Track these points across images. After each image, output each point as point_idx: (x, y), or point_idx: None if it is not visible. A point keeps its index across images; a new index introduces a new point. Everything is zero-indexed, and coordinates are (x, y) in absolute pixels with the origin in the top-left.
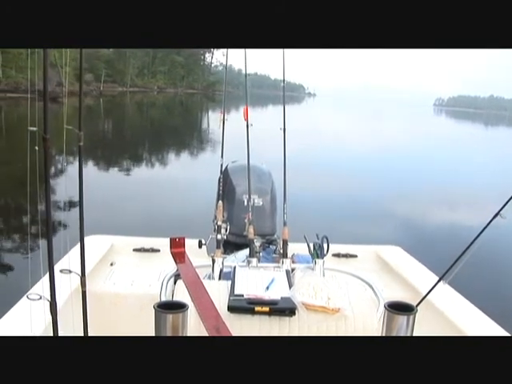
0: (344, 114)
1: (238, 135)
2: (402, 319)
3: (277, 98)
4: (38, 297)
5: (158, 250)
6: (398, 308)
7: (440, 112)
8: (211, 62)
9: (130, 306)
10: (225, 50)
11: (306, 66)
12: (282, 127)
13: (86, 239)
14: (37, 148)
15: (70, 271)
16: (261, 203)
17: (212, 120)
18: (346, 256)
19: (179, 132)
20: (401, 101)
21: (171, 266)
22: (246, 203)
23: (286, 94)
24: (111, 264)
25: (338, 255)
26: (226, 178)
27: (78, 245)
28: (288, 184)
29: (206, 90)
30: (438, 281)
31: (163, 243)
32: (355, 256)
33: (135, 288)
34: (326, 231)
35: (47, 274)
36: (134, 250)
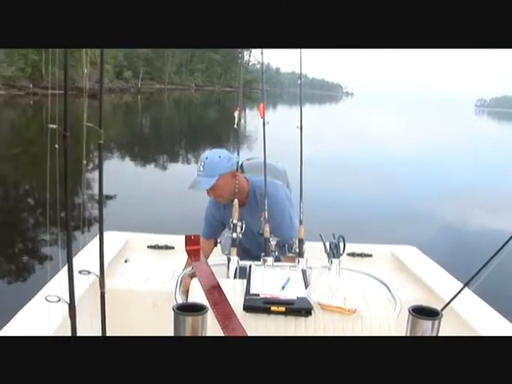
0: (382, 113)
1: (281, 135)
2: (426, 324)
3: (313, 97)
4: (57, 299)
5: (173, 248)
6: (423, 312)
7: (482, 113)
8: (249, 61)
9: (144, 304)
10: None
11: (345, 65)
12: (299, 125)
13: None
14: (57, 146)
15: (89, 272)
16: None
17: (248, 118)
18: (361, 255)
19: (215, 129)
20: (441, 101)
21: (185, 264)
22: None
23: (324, 93)
24: (125, 261)
25: (352, 254)
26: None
27: (94, 241)
28: (312, 183)
29: (243, 88)
30: (463, 287)
31: (178, 240)
32: (370, 255)
33: (149, 285)
34: (344, 231)
35: (63, 273)
36: (149, 246)
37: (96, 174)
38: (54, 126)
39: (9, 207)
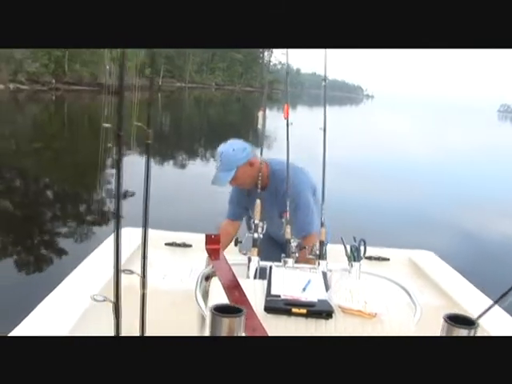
0: (402, 117)
1: (302, 136)
2: (462, 333)
3: (333, 98)
4: (102, 298)
5: (190, 246)
6: (457, 321)
7: (505, 118)
8: (269, 61)
9: (162, 301)
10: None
11: (366, 68)
12: (322, 127)
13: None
14: (110, 145)
15: (132, 272)
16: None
17: (269, 118)
18: (378, 259)
19: (235, 128)
20: (463, 106)
21: (203, 262)
22: None
23: (344, 95)
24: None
25: (369, 258)
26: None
27: (111, 237)
28: (333, 186)
29: (264, 88)
30: (493, 304)
31: (195, 238)
32: (387, 259)
33: (167, 283)
34: (361, 234)
35: (105, 271)
36: (166, 244)
37: (113, 170)
38: (109, 125)
39: (29, 201)
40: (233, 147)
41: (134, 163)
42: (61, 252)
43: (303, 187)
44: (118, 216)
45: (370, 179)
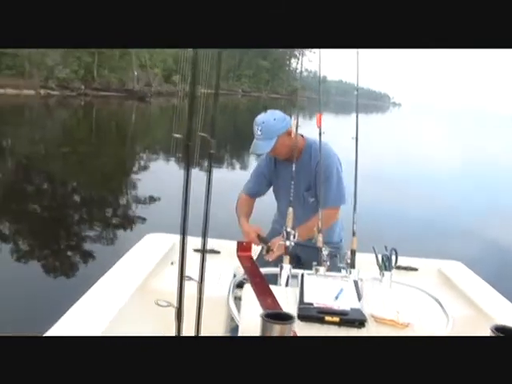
0: (430, 125)
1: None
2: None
3: (360, 106)
4: (167, 304)
5: (219, 252)
6: (505, 332)
7: None
8: (296, 68)
9: (191, 307)
10: (311, 56)
11: (392, 75)
12: (354, 136)
13: (147, 237)
14: (180, 155)
15: (190, 278)
16: None
17: (294, 125)
18: (406, 269)
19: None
20: (493, 115)
21: (231, 269)
22: None
23: (370, 102)
24: (172, 263)
25: (397, 267)
26: None
27: (139, 243)
28: (359, 194)
29: (290, 95)
30: None
31: (223, 245)
32: (415, 269)
33: (196, 289)
34: (389, 243)
35: (168, 276)
36: (195, 250)
37: (140, 175)
38: (179, 136)
39: (57, 204)
40: (274, 117)
41: (162, 168)
42: (87, 255)
43: (336, 161)
44: (184, 229)
45: (398, 188)
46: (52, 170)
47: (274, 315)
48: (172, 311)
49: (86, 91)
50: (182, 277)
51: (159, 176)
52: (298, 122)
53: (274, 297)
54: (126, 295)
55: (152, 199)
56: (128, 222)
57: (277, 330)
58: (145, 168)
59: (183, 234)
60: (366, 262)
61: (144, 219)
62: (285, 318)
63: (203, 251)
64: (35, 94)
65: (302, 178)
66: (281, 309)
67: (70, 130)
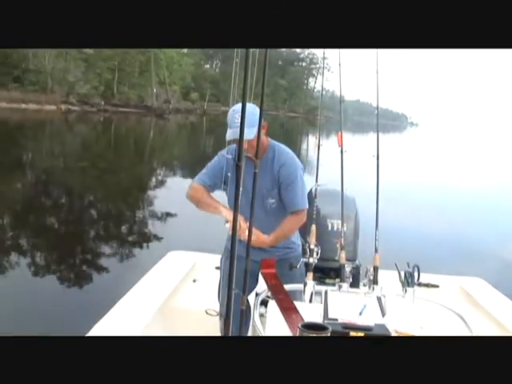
0: (450, 145)
1: (330, 160)
2: None
3: (378, 126)
4: (216, 313)
5: None
6: None
7: None
8: (314, 87)
9: (215, 324)
10: (329, 75)
11: (410, 95)
12: (376, 154)
13: (169, 255)
14: (229, 174)
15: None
16: (344, 229)
17: (311, 144)
18: (428, 285)
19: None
20: None
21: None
22: (329, 227)
23: (388, 122)
24: (194, 281)
25: (419, 284)
26: (309, 202)
27: (162, 260)
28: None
29: (308, 114)
30: None
31: None
32: (437, 286)
33: (219, 306)
34: (407, 261)
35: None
36: (217, 267)
37: (157, 191)
38: (230, 156)
39: (74, 218)
40: (253, 106)
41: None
42: (102, 269)
43: (299, 165)
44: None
45: (416, 206)
46: (70, 184)
47: (311, 326)
48: (195, 329)
49: (106, 107)
50: (230, 288)
51: (176, 192)
52: (319, 141)
53: (298, 313)
54: (150, 313)
55: (169, 215)
56: (144, 238)
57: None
58: (162, 183)
59: (232, 247)
60: (388, 279)
61: (160, 238)
62: (321, 329)
63: (247, 265)
64: (56, 109)
65: (264, 178)
66: None
67: (89, 145)
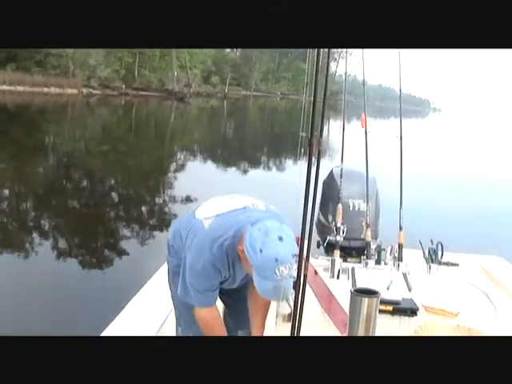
0: (474, 132)
1: (352, 142)
2: None
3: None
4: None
5: None
6: None
7: None
8: (335, 71)
9: None
10: (350, 60)
11: (433, 80)
12: (399, 135)
13: None
14: (302, 150)
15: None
16: (365, 208)
17: (331, 128)
18: (448, 264)
19: (298, 138)
20: None
21: None
22: (351, 207)
23: (410, 107)
24: None
25: (438, 263)
26: (330, 182)
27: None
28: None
29: (329, 98)
30: None
31: None
32: (457, 265)
33: None
34: (428, 240)
35: None
36: None
37: (177, 175)
38: (304, 134)
39: (95, 201)
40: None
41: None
42: (122, 253)
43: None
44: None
45: (443, 187)
46: (91, 167)
47: (363, 291)
48: None
49: (127, 91)
50: (298, 281)
51: (196, 176)
52: (344, 124)
53: (329, 290)
54: (165, 312)
55: (189, 199)
56: (164, 222)
57: (365, 304)
58: (182, 167)
59: (303, 231)
60: (410, 257)
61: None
62: (372, 293)
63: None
64: (78, 92)
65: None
66: (337, 302)
67: (110, 128)
